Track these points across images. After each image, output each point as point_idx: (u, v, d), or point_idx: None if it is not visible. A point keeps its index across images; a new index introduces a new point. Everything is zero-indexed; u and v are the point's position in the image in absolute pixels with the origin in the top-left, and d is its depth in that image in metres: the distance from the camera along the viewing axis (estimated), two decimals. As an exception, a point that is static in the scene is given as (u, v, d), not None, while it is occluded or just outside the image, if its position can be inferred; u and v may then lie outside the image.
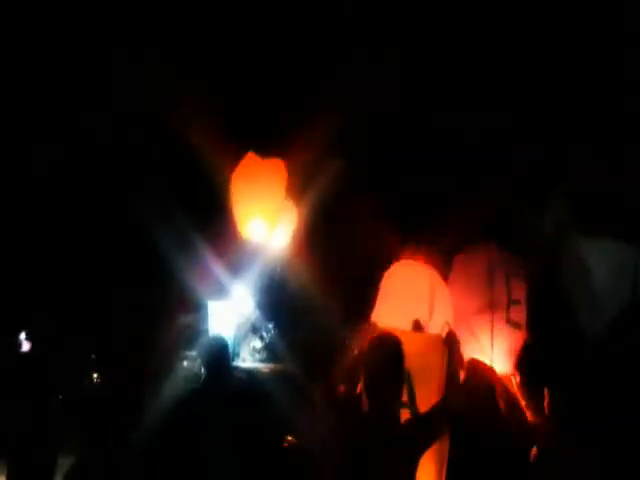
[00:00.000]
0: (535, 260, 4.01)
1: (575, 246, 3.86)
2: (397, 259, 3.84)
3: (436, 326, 3.51)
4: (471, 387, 3.37)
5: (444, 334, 3.30)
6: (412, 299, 3.62)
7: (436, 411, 2.81)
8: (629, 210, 3.93)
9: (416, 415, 3.26)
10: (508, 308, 3.73)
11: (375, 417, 2.74)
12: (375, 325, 3.38)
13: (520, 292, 3.80)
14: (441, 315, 3.58)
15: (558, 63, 4.41)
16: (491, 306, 3.71)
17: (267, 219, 5.20)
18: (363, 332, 3.19)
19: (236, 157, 5.35)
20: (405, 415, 3.25)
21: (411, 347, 2.90)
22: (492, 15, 4.72)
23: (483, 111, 4.78)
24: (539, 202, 4.12)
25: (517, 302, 3.77)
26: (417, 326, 3.52)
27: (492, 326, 3.68)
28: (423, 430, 2.78)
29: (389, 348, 2.80)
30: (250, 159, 5.24)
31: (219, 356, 3.84)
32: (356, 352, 3.09)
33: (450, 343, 3.09)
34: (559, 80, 4.35)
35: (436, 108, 5.11)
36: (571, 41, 4.30)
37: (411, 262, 3.81)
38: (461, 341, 3.22)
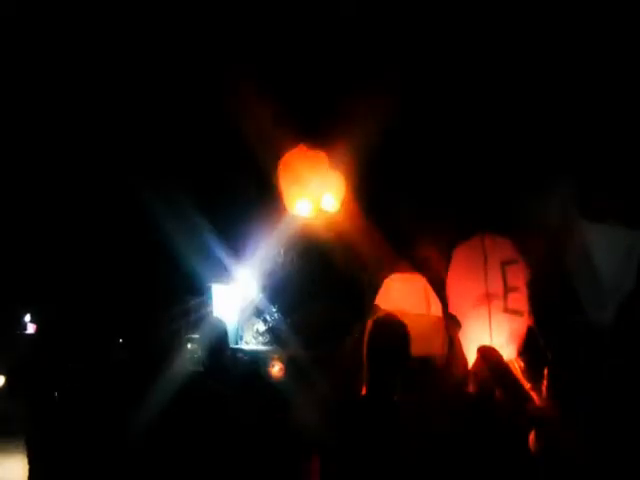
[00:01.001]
0: (540, 245, 3.98)
1: (581, 231, 3.83)
2: (392, 270, 3.89)
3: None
4: (483, 374, 3.36)
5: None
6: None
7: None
8: (635, 194, 3.90)
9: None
10: (506, 297, 3.69)
11: (375, 400, 2.74)
12: (379, 307, 3.38)
13: (519, 279, 3.76)
14: None
15: (562, 54, 4.38)
16: (488, 297, 3.68)
17: (311, 200, 5.50)
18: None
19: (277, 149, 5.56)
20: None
21: (412, 329, 2.91)
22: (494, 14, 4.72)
23: (487, 101, 4.76)
24: (545, 187, 4.09)
25: (516, 289, 3.72)
26: None
27: (490, 317, 3.65)
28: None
29: (394, 329, 2.75)
30: (301, 149, 5.50)
31: (218, 339, 3.86)
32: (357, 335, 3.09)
33: (450, 326, 3.10)
34: (563, 70, 4.32)
35: (441, 102, 5.10)
36: (572, 37, 4.28)
37: (406, 275, 3.86)
38: (461, 334, 3.21)
